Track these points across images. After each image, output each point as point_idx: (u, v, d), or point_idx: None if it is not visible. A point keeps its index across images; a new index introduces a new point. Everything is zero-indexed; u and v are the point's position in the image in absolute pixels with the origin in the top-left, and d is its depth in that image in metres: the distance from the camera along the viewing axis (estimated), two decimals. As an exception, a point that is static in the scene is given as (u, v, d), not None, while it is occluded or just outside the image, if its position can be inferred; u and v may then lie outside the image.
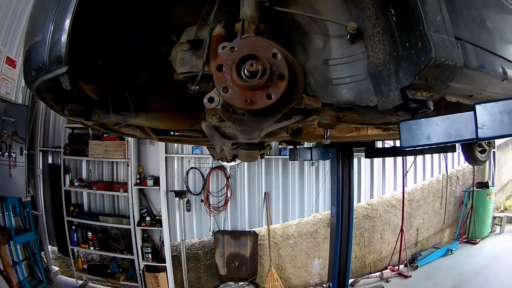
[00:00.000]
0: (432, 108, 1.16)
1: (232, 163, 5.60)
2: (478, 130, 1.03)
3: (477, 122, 1.03)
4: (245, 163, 6.12)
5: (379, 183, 6.82)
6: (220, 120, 1.30)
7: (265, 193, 6.27)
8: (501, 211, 9.00)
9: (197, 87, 1.24)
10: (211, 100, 1.05)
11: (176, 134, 2.16)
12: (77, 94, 1.33)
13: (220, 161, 3.84)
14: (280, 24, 1.26)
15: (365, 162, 6.56)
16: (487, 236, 8.06)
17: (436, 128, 1.09)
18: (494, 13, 1.54)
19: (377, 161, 6.66)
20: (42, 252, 6.15)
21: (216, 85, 1.01)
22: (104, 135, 5.98)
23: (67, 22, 1.10)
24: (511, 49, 1.50)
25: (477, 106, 1.04)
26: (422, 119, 1.13)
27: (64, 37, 1.11)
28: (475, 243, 7.68)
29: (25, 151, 5.58)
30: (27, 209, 5.74)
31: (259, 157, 1.38)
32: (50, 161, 6.54)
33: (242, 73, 0.99)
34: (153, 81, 1.51)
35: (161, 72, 1.47)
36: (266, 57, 1.00)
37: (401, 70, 1.11)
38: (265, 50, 1.01)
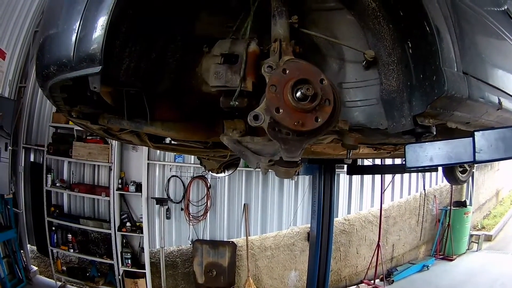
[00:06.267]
0: (435, 133, 1.26)
1: (221, 175, 5.54)
2: (476, 154, 1.14)
3: (475, 147, 1.14)
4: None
5: (357, 199, 6.89)
6: (241, 134, 1.29)
7: (244, 204, 6.31)
8: (479, 230, 9.11)
9: (236, 102, 1.24)
10: (256, 117, 1.03)
11: (173, 143, 2.06)
12: (90, 96, 1.26)
13: (210, 172, 3.84)
14: (302, 45, 1.30)
15: (344, 178, 6.63)
16: (464, 253, 8.15)
17: (438, 151, 1.20)
18: (493, 48, 1.65)
19: (356, 177, 6.74)
20: (22, 251, 6.06)
21: (268, 105, 1.01)
22: (89, 137, 5.91)
23: (105, 15, 1.01)
24: (506, 81, 1.61)
25: (476, 133, 1.15)
26: (427, 143, 1.22)
27: (100, 32, 1.01)
28: (451, 260, 7.76)
29: (9, 147, 5.46)
30: (9, 207, 5.66)
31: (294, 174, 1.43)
32: (32, 159, 6.41)
33: (294, 95, 1.01)
34: (173, 89, 1.42)
35: (183, 80, 1.42)
36: (316, 82, 1.03)
37: (414, 98, 1.21)
38: (315, 75, 1.04)
